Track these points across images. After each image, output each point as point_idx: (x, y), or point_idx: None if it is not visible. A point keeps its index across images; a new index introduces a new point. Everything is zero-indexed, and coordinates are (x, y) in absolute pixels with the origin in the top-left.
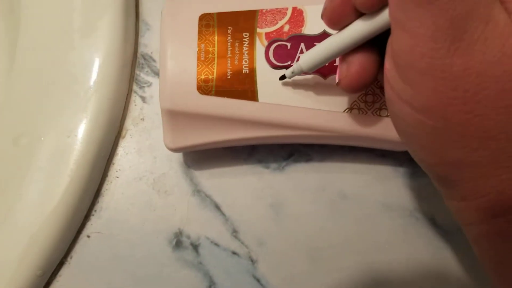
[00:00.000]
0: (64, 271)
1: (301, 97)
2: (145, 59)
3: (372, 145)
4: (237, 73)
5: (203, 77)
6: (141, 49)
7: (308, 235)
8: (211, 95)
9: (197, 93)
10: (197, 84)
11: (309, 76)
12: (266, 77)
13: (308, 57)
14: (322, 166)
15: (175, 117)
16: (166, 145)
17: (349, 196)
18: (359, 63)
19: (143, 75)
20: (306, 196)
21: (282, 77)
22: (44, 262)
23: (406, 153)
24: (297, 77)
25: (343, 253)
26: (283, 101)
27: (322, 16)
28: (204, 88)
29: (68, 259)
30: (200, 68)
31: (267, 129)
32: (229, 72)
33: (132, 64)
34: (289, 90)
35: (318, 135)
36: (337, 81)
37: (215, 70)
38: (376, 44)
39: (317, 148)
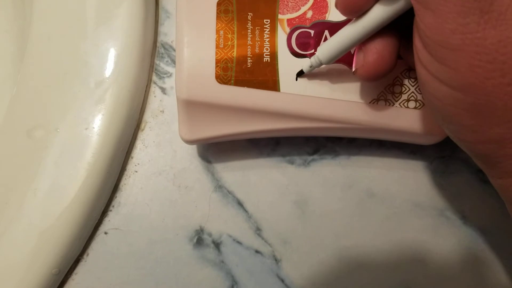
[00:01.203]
0: (80, 269)
1: (325, 88)
2: (165, 48)
3: (399, 139)
4: (258, 62)
5: (222, 65)
6: (161, 38)
7: (335, 234)
8: (230, 84)
9: (215, 82)
10: (215, 73)
11: (334, 66)
12: (288, 66)
13: (326, 49)
14: (349, 162)
15: (191, 107)
16: (181, 137)
17: (377, 194)
18: (377, 51)
19: (163, 65)
20: (332, 193)
21: (300, 73)
22: (60, 260)
23: (436, 150)
24: (321, 67)
25: (370, 253)
26: (306, 91)
27: (337, 5)
28: (223, 77)
29: (85, 256)
30: (218, 56)
31: (289, 121)
32: (249, 61)
33: (152, 54)
34: (312, 80)
35: (343, 127)
36: (353, 69)
37: (234, 59)
38: (394, 27)
39: (344, 144)
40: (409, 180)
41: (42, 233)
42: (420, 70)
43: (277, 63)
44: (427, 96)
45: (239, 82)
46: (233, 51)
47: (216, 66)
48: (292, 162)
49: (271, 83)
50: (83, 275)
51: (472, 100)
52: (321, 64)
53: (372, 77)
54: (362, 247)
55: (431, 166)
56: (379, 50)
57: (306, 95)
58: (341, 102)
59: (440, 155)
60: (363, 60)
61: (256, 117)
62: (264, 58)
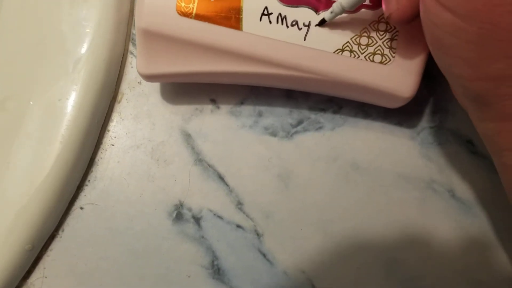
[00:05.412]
0: (56, 245)
1: (289, 32)
2: None
3: (361, 97)
4: None
5: None
6: None
7: (318, 208)
8: (190, 17)
9: (176, 14)
10: (176, 4)
11: (300, 10)
12: (254, 5)
13: None
14: (333, 134)
15: (150, 39)
16: (138, 71)
17: (362, 167)
18: None
19: None
20: (316, 166)
21: (322, 21)
22: (34, 236)
23: (424, 121)
24: (284, 11)
25: (355, 227)
26: (269, 33)
27: None
28: (184, 9)
29: (60, 232)
30: None
31: (248, 64)
32: None
33: (128, 22)
34: (277, 23)
35: (304, 76)
36: (386, 15)
37: None
38: None
39: (328, 115)
40: (395, 151)
41: (15, 207)
42: None
43: (242, 0)
44: (427, 25)
45: (200, 17)
46: None
47: None
48: (274, 134)
49: (233, 20)
50: (58, 251)
51: (475, 29)
52: (343, 10)
53: (408, 20)
54: (347, 221)
55: (419, 137)
56: None
57: (269, 37)
58: (303, 49)
59: (428, 125)
60: (397, 3)
61: (215, 56)
62: None
